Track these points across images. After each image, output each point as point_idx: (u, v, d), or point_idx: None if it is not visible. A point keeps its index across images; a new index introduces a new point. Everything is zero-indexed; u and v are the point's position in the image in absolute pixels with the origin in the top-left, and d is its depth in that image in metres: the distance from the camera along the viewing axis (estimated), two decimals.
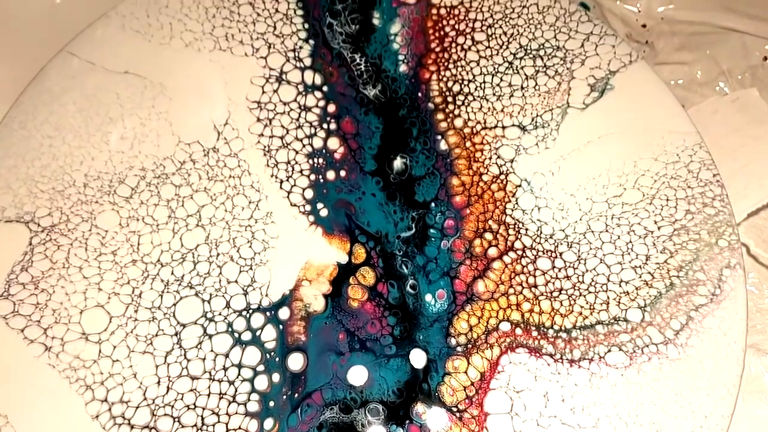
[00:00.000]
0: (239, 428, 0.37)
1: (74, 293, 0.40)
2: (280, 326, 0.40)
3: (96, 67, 0.47)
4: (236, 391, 0.38)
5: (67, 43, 0.47)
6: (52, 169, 0.44)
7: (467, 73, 0.48)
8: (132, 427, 0.37)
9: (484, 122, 0.46)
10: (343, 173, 0.44)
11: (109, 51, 0.47)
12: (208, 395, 0.38)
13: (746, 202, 0.54)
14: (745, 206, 0.54)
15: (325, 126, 0.46)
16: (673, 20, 0.62)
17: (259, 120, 0.46)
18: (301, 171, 0.44)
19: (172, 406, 0.37)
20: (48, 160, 0.44)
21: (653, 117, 0.46)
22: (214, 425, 0.37)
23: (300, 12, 0.49)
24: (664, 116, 0.46)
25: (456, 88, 0.47)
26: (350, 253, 0.42)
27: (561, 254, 0.42)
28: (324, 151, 0.45)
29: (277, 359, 0.39)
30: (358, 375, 0.39)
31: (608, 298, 0.41)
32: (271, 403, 0.38)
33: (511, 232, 0.43)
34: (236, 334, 0.39)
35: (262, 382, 0.38)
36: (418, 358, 0.39)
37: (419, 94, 0.47)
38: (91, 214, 0.42)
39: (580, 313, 0.40)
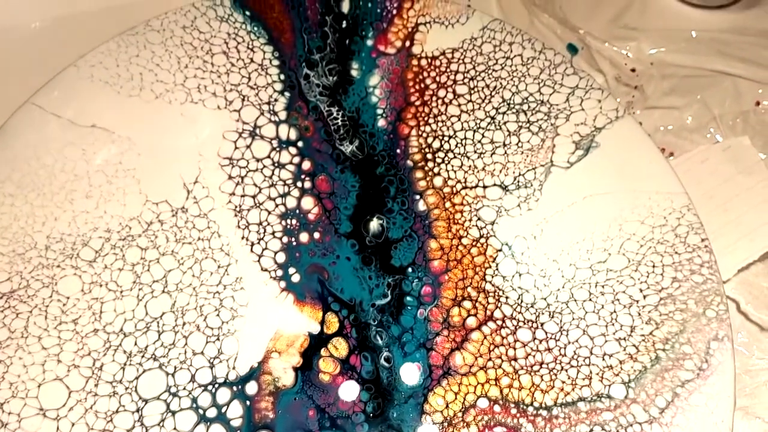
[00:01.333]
0: None
1: (32, 365, 0.38)
2: (247, 402, 0.38)
3: (62, 120, 0.45)
4: None
5: (32, 94, 0.45)
6: (13, 230, 0.42)
7: (448, 129, 0.46)
8: None
9: (465, 181, 0.44)
10: (317, 235, 0.43)
11: (76, 103, 0.45)
12: None
13: (736, 257, 0.53)
14: (735, 261, 0.52)
15: (299, 184, 0.44)
16: (664, 63, 0.61)
17: (230, 178, 0.44)
18: (273, 233, 0.43)
19: None
20: (9, 220, 0.42)
21: (640, 177, 0.44)
22: None
23: (276, 62, 0.48)
24: (652, 176, 0.44)
25: (436, 144, 0.45)
26: (322, 323, 0.40)
27: (542, 325, 0.40)
28: (297, 211, 0.43)
29: None
30: None
31: (591, 372, 0.39)
32: None
33: (490, 300, 0.41)
34: (201, 411, 0.38)
35: None
36: None
37: (398, 151, 0.45)
38: (52, 279, 0.41)
39: (562, 389, 0.39)
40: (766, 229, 0.53)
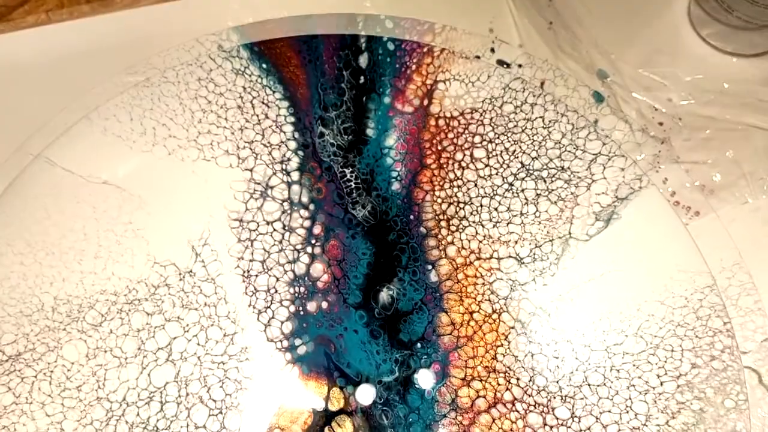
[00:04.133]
0: None
1: None
2: None
3: (74, 176, 0.45)
4: None
5: (45, 147, 0.45)
6: (21, 290, 0.42)
7: (463, 195, 0.45)
8: None
9: (479, 252, 0.43)
10: (325, 305, 0.42)
11: (88, 158, 0.45)
12: None
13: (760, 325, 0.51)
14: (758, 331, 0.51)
15: (309, 250, 0.43)
16: (694, 115, 0.58)
17: (240, 240, 0.43)
18: (281, 301, 0.42)
19: None
20: (17, 280, 0.42)
21: (662, 253, 0.43)
22: None
23: (291, 119, 0.47)
24: (674, 252, 0.43)
25: (451, 210, 0.44)
26: (327, 398, 0.40)
27: (554, 410, 0.39)
28: (306, 278, 0.43)
29: None
30: None
31: None
32: None
33: (501, 381, 0.40)
34: None
35: None
36: None
37: (411, 217, 0.44)
38: (57, 342, 0.40)
39: None
40: None
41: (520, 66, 0.49)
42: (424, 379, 0.40)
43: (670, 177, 0.57)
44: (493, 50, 0.50)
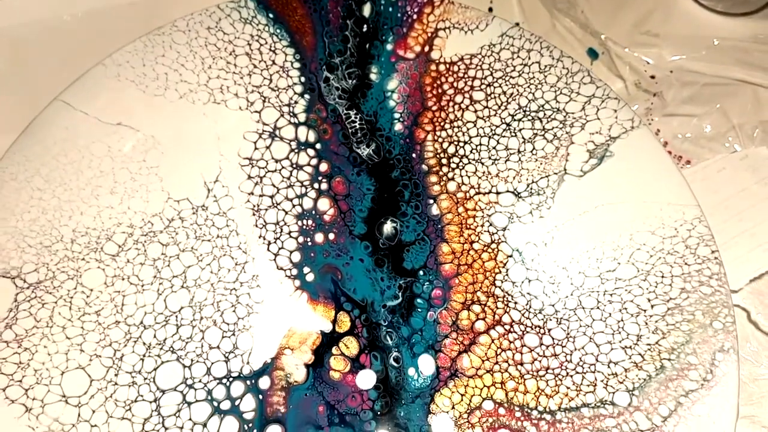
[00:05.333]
0: None
1: (56, 354, 0.40)
2: (260, 396, 0.39)
3: (89, 118, 0.46)
4: None
5: (61, 91, 0.47)
6: (41, 223, 0.43)
7: (463, 134, 0.47)
8: None
9: (478, 187, 0.45)
10: (331, 236, 0.44)
11: (103, 101, 0.47)
12: None
13: (749, 266, 0.53)
14: (747, 271, 0.53)
15: (316, 186, 0.45)
16: (684, 71, 0.61)
17: (249, 177, 0.45)
18: (289, 233, 0.44)
19: None
20: (37, 213, 0.44)
21: (653, 187, 0.45)
22: None
23: (297, 65, 0.49)
24: (664, 187, 0.45)
25: (451, 149, 0.46)
26: (334, 322, 0.42)
27: (549, 331, 0.41)
28: (314, 212, 0.45)
29: (255, 431, 0.38)
30: None
31: (596, 379, 0.40)
32: None
33: (499, 305, 0.42)
34: (215, 403, 0.39)
35: None
36: None
37: (413, 155, 0.46)
38: (77, 271, 0.42)
39: (566, 395, 0.39)
40: None
41: (517, 24, 0.51)
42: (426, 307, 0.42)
43: (662, 128, 0.59)
44: (491, 9, 0.53)
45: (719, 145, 0.59)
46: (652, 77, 0.60)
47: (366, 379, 0.40)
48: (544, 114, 0.47)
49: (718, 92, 0.60)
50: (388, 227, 0.44)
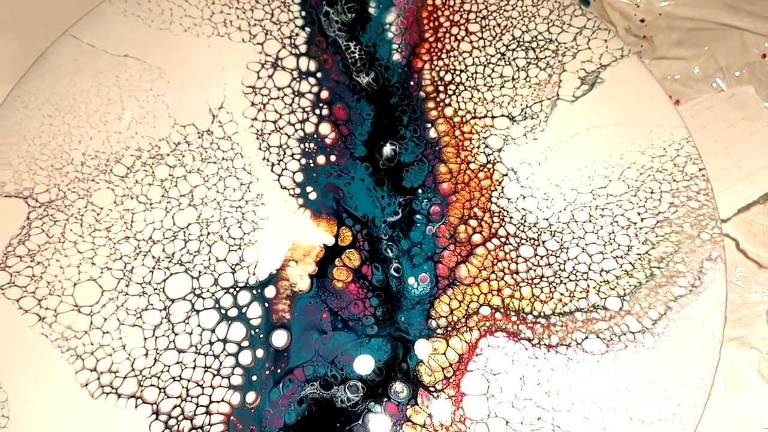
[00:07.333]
0: (222, 400, 0.38)
1: (68, 267, 0.42)
2: (266, 304, 0.41)
3: (97, 50, 0.48)
4: (221, 365, 0.39)
5: (70, 26, 0.48)
6: (52, 147, 0.45)
7: (459, 63, 0.48)
8: (119, 396, 0.38)
9: (474, 112, 0.47)
10: (333, 158, 0.45)
11: (110, 35, 0.48)
12: (194, 368, 0.39)
13: (737, 197, 0.55)
14: (735, 201, 0.55)
15: (317, 112, 0.47)
16: (673, 16, 0.63)
17: (253, 104, 0.47)
18: (292, 155, 0.45)
19: (159, 377, 0.39)
20: (48, 138, 0.45)
21: (642, 111, 0.46)
22: (198, 397, 0.38)
23: (297, 0, 0.50)
24: (653, 110, 0.46)
25: (448, 77, 0.48)
26: (337, 236, 0.43)
27: (544, 242, 0.43)
28: (315, 136, 0.46)
29: (261, 336, 0.40)
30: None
31: (588, 286, 0.41)
32: (254, 378, 0.39)
33: (495, 219, 0.43)
34: (223, 311, 0.41)
35: (246, 357, 0.39)
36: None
37: (411, 83, 0.48)
38: (87, 191, 0.44)
39: (560, 300, 0.41)
40: (766, 172, 0.55)
41: None
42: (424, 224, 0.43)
43: (653, 70, 0.61)
44: None
45: (707, 86, 0.61)
46: (642, 21, 0.62)
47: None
48: (537, 44, 0.49)
49: (706, 36, 0.62)
50: (387, 149, 0.46)
